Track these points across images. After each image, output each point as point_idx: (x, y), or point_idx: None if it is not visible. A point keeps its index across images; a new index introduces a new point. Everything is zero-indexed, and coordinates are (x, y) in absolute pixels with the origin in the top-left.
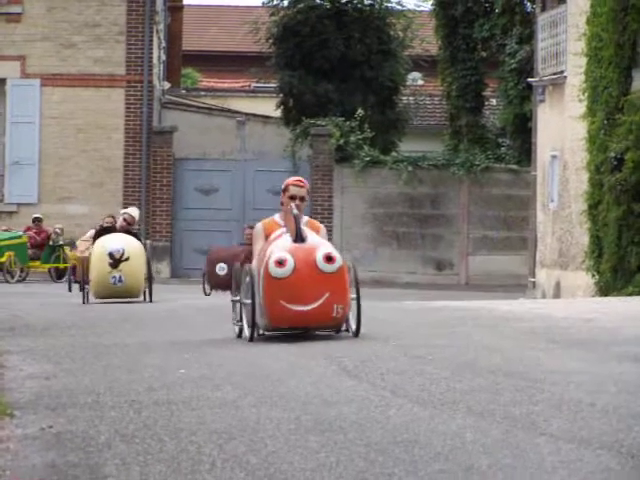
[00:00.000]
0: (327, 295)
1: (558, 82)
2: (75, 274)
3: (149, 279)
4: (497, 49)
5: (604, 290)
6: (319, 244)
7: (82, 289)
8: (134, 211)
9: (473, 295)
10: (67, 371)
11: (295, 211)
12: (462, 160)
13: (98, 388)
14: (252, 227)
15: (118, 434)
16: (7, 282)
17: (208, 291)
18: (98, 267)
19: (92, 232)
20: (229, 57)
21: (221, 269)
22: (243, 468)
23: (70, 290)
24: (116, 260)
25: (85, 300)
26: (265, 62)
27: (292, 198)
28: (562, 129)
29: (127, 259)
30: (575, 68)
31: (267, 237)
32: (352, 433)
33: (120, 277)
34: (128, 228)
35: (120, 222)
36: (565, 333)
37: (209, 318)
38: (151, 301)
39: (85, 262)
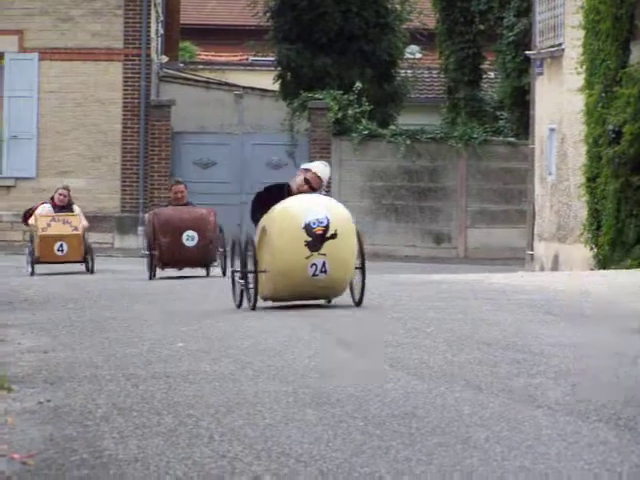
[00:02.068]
0: None
1: (556, 55)
2: (32, 252)
3: (362, 267)
4: (495, 22)
5: (602, 263)
6: None
7: (243, 289)
8: (323, 168)
9: (472, 268)
10: (65, 345)
11: None
12: (460, 133)
13: (96, 362)
14: (180, 182)
15: (116, 408)
16: None
17: (153, 270)
18: (285, 249)
19: (47, 206)
20: (227, 30)
21: (190, 239)
22: (241, 441)
23: (32, 274)
24: (318, 238)
25: (251, 302)
26: (263, 35)
27: None
28: (560, 102)
29: (334, 236)
30: (573, 41)
31: None
32: (350, 406)
33: (324, 265)
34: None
35: (298, 182)
36: (563, 306)
37: (207, 291)
38: (360, 303)
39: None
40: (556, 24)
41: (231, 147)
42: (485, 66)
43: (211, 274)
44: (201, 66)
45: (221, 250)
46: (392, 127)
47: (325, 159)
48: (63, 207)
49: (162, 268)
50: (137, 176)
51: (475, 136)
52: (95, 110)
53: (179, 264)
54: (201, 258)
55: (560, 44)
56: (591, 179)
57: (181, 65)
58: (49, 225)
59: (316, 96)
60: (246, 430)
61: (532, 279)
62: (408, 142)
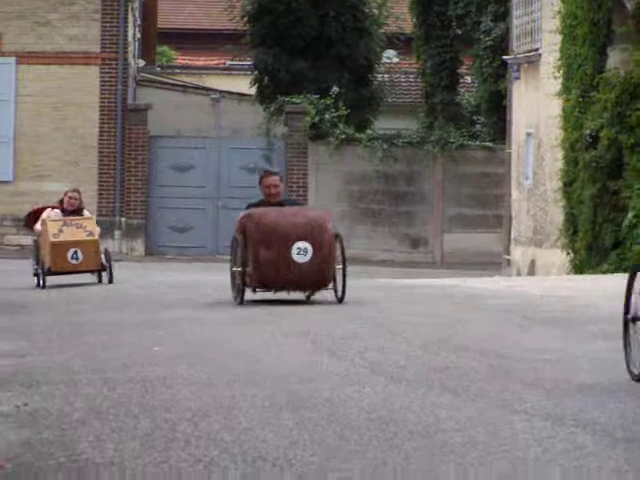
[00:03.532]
0: None
1: (533, 60)
2: (38, 262)
3: None
4: (472, 26)
5: (579, 268)
6: None
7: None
8: None
9: (448, 272)
10: (42, 349)
11: None
12: (437, 138)
13: (73, 366)
14: (272, 172)
15: (92, 411)
16: None
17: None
18: None
19: (58, 212)
20: (204, 35)
21: (301, 252)
22: (217, 445)
23: (39, 285)
24: None
25: None
26: (240, 40)
27: None
28: (537, 107)
29: None
30: (550, 46)
31: None
32: (326, 410)
33: None
34: None
35: None
36: (540, 311)
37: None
38: None
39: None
40: (533, 29)
41: (208, 151)
42: (462, 70)
43: (313, 299)
44: (178, 70)
45: (339, 267)
46: (369, 131)
47: (302, 163)
48: (73, 212)
49: (254, 290)
50: (114, 180)
51: (452, 140)
52: (72, 114)
53: (286, 286)
54: (315, 278)
55: (537, 49)
56: (568, 184)
57: (158, 69)
58: (61, 231)
59: (293, 100)
60: (222, 434)
61: (508, 284)
62: (385, 146)
